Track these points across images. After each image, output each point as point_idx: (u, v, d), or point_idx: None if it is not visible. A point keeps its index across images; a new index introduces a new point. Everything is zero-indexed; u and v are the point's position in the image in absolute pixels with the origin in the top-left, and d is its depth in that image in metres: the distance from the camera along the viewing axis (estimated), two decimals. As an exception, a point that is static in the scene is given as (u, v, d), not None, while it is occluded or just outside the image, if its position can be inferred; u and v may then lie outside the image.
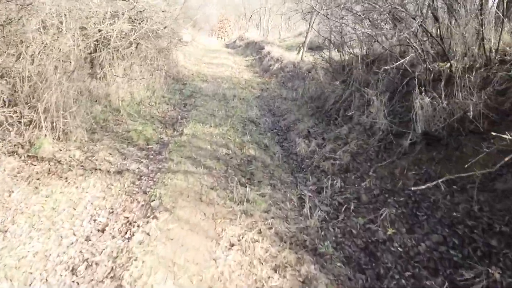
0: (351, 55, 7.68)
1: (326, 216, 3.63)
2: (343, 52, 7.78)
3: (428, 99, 4.04)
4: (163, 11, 6.84)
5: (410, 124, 4.50)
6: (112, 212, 3.39)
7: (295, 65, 12.17)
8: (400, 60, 5.04)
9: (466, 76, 4.13)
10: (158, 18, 6.77)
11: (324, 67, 9.63)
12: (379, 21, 6.02)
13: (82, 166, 4.09)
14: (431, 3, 5.25)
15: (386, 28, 5.66)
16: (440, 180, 2.74)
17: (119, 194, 3.69)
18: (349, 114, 6.12)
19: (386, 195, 3.73)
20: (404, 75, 5.40)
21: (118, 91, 6.11)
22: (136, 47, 6.97)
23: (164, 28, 7.30)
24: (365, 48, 7.20)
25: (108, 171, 4.08)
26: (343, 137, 5.43)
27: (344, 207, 3.73)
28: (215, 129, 5.89)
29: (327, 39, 8.41)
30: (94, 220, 3.25)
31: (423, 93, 4.18)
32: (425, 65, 4.66)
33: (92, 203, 3.49)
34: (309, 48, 15.26)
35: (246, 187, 4.08)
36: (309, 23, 12.88)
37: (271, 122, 7.45)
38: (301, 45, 15.01)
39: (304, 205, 3.78)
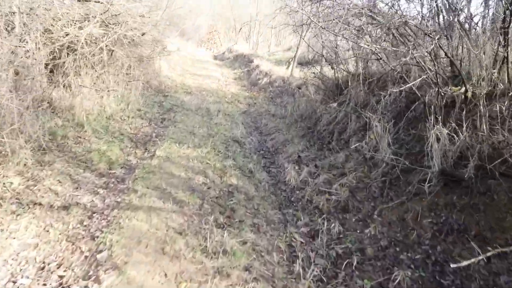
0: (345, 72, 7.00)
1: (322, 275, 2.81)
2: (337, 69, 7.09)
3: (446, 130, 3.31)
4: (140, 16, 6.03)
5: (420, 157, 3.77)
6: (43, 268, 2.51)
7: (285, 80, 11.48)
8: (406, 81, 4.34)
9: (483, 102, 3.45)
10: (135, 24, 5.95)
11: (315, 84, 8.95)
12: (382, 37, 5.34)
13: (17, 199, 3.18)
14: (443, 20, 4.60)
15: (389, 45, 4.98)
16: (488, 254, 1.97)
17: (59, 240, 2.80)
18: (345, 138, 5.38)
19: (397, 249, 2.95)
20: (410, 98, 4.70)
21: (84, 103, 5.24)
22: (111, 54, 6.12)
23: (142, 35, 6.48)
24: (361, 66, 6.53)
25: (51, 206, 3.19)
26: (339, 166, 4.66)
27: (345, 262, 2.92)
28: (193, 150, 5.05)
29: (320, 55, 7.70)
30: (14, 282, 2.36)
31: (439, 123, 3.45)
32: (436, 89, 3.95)
33: (18, 254, 2.59)
34: (298, 63, 14.65)
35: (223, 228, 3.26)
36: (300, 37, 12.25)
37: (257, 142, 6.66)
38: (290, 59, 14.39)
39: (295, 257, 2.97)
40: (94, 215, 3.20)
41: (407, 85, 3.87)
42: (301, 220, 3.71)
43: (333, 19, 5.81)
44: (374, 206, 3.56)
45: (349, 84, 6.24)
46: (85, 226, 3.02)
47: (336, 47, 6.79)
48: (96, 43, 5.53)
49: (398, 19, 4.06)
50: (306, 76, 11.47)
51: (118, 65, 6.48)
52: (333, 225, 3.41)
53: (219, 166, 4.67)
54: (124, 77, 6.56)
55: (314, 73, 8.45)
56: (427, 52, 3.72)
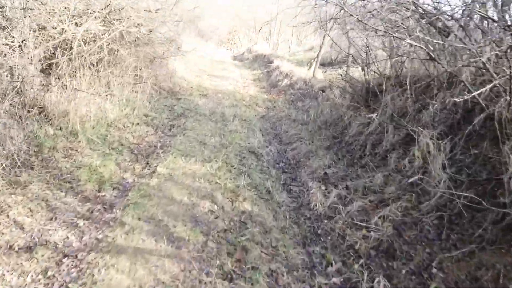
0: (378, 75, 6.05)
1: None
2: (368, 70, 6.14)
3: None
4: (146, 11, 5.27)
5: (490, 188, 2.83)
6: None
7: (306, 82, 10.57)
8: (467, 88, 3.38)
9: None
10: (140, 20, 5.20)
11: (341, 86, 8.02)
12: (431, 33, 4.39)
13: (-33, 238, 2.46)
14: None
15: (442, 41, 4.01)
16: None
17: (6, 302, 2.05)
18: (381, 153, 4.45)
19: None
20: (466, 108, 3.74)
21: (80, 108, 4.52)
22: (114, 54, 5.39)
23: (149, 32, 5.73)
24: (399, 67, 5.57)
25: (10, 247, 2.44)
26: (376, 190, 3.75)
27: None
28: (201, 166, 4.24)
29: (348, 54, 6.76)
30: None
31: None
32: (508, 98, 3.00)
33: None
34: (321, 64, 13.67)
35: (231, 281, 2.43)
36: (324, 35, 11.29)
37: (276, 153, 5.80)
38: (312, 60, 13.44)
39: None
40: (64, 260, 2.42)
41: (474, 93, 2.91)
42: (332, 265, 2.84)
43: (369, 12, 4.90)
44: (431, 254, 2.64)
45: (384, 88, 5.30)
46: (49, 278, 2.25)
47: (367, 46, 5.85)
48: (95, 41, 4.80)
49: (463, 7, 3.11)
50: (331, 78, 10.54)
51: (123, 65, 5.75)
52: (376, 279, 2.52)
53: (230, 187, 3.84)
54: (130, 79, 5.82)
55: (340, 75, 7.52)
56: (502, 51, 2.78)
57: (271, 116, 8.36)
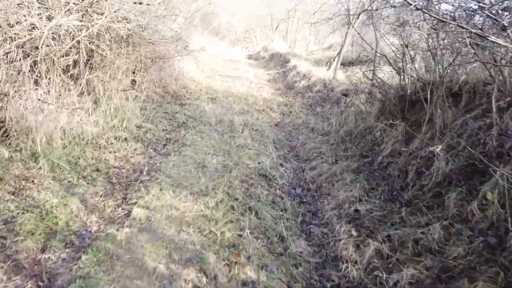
0: (417, 80, 4.83)
1: None
2: (404, 74, 4.93)
3: None
4: (136, 3, 4.20)
5: None
6: None
7: (326, 84, 9.36)
8: None
9: None
10: (129, 14, 4.13)
11: (367, 91, 6.82)
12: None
13: None
14: None
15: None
16: None
17: None
18: (432, 187, 3.27)
19: None
20: None
21: (47, 123, 3.51)
22: (99, 55, 4.37)
23: (142, 29, 4.67)
24: (449, 72, 4.34)
25: None
26: (433, 248, 2.59)
27: None
28: (194, 202, 3.16)
29: (382, 55, 5.55)
30: None
31: None
32: None
33: None
34: (341, 63, 12.42)
35: None
36: (346, 32, 10.03)
37: (292, 173, 4.69)
38: (332, 59, 12.19)
39: None
40: None
41: None
42: None
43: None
44: None
45: (429, 98, 4.09)
46: None
47: (406, 45, 4.62)
48: (73, 39, 3.78)
49: None
50: (353, 79, 9.31)
51: (113, 68, 4.72)
52: None
53: (229, 237, 2.74)
54: (120, 84, 4.80)
55: (369, 78, 6.32)
56: None
57: (286, 124, 7.23)
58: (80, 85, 4.18)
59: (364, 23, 8.53)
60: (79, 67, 3.95)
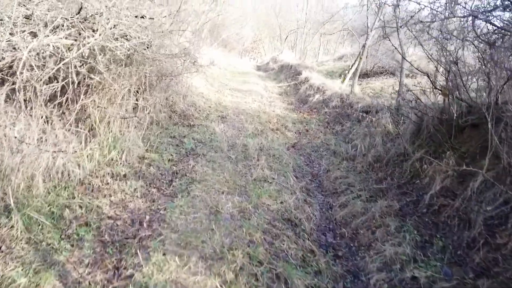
0: (465, 102, 4.04)
1: None
2: (453, 95, 4.12)
3: None
4: (138, 17, 3.49)
5: None
6: None
7: (343, 99, 8.59)
8: None
9: None
10: (129, 30, 3.43)
11: (396, 109, 6.06)
12: None
13: None
14: None
15: None
16: None
17: None
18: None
19: None
20: None
21: (28, 167, 2.80)
22: (95, 75, 3.66)
23: (147, 47, 3.96)
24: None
25: None
26: None
27: None
28: (206, 275, 2.39)
29: (423, 73, 4.77)
30: None
31: None
32: None
33: None
34: (353, 74, 11.64)
35: None
36: (365, 43, 9.26)
37: (318, 212, 3.92)
38: (346, 71, 11.43)
39: None
40: None
41: None
42: None
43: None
44: None
45: (490, 125, 3.30)
46: None
47: (455, 61, 3.83)
48: (56, 62, 3.08)
49: None
50: (370, 93, 8.61)
51: (111, 92, 4.02)
52: None
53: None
54: (121, 109, 4.09)
55: (394, 94, 5.56)
56: None
57: (304, 145, 6.46)
58: (70, 114, 3.47)
59: (383, 35, 7.78)
60: (68, 93, 3.24)
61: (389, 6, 5.88)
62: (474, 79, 3.97)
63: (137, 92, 4.55)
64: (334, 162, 5.53)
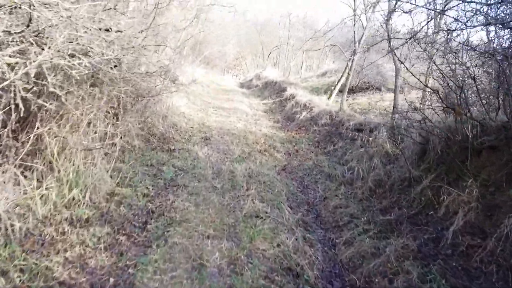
0: (477, 122, 3.55)
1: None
2: (466, 114, 3.63)
3: None
4: (102, 29, 2.86)
5: None
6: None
7: (333, 116, 8.11)
8: None
9: None
10: (94, 45, 2.79)
11: (392, 127, 5.61)
12: None
13: None
14: None
15: None
16: None
17: None
18: None
19: None
20: None
21: None
22: (43, 101, 2.99)
23: (114, 66, 3.32)
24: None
25: None
26: None
27: None
28: None
29: (433, 90, 4.30)
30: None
31: None
32: None
33: None
34: (340, 90, 11.27)
35: None
36: (351, 58, 8.87)
37: (320, 252, 3.31)
38: (332, 87, 11.04)
39: None
40: None
41: None
42: None
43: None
44: None
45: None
46: None
47: (473, 77, 3.34)
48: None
49: None
50: (358, 109, 8.21)
51: (74, 118, 3.34)
52: None
53: None
54: (82, 138, 3.40)
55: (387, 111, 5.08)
56: None
57: (295, 167, 5.88)
58: (21, 147, 2.78)
59: (374, 49, 7.42)
60: (10, 123, 2.55)
61: (379, 19, 5.44)
62: (491, 97, 3.49)
63: (106, 117, 3.88)
64: (330, 187, 4.96)
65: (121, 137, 3.89)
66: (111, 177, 3.60)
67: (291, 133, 8.19)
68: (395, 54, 5.79)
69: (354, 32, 8.24)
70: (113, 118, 4.04)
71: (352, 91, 11.99)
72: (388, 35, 5.75)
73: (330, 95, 10.61)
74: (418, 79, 4.50)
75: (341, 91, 11.36)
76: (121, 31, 3.07)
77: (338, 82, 10.54)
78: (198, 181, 4.36)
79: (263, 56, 21.25)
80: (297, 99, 10.65)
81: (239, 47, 24.62)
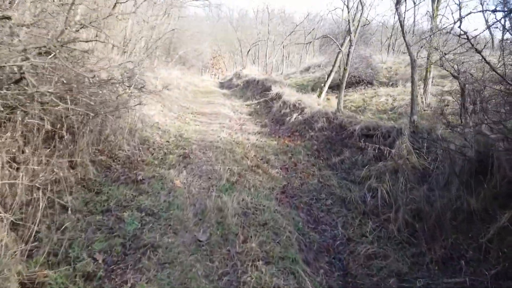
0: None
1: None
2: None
3: None
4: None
5: None
6: None
7: (330, 118, 6.82)
8: None
9: None
10: None
11: (413, 133, 4.39)
12: None
13: None
14: None
15: None
16: None
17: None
18: None
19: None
20: None
21: None
22: None
23: (15, 81, 1.86)
24: None
25: None
26: None
27: None
28: None
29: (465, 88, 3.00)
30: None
31: None
32: None
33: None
34: (328, 87, 10.01)
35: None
36: (338, 52, 7.58)
37: None
38: (322, 84, 9.76)
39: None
40: None
41: None
42: None
43: None
44: None
45: None
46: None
47: None
48: None
49: None
50: (351, 106, 7.07)
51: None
52: None
53: None
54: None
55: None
56: None
57: (297, 189, 4.57)
58: None
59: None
60: None
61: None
62: None
63: (14, 156, 2.39)
64: (349, 220, 3.66)
65: (46, 189, 2.41)
66: (27, 256, 2.14)
67: (283, 140, 6.85)
68: (409, 46, 4.50)
69: (349, 20, 6.95)
70: (34, 153, 2.56)
71: (339, 87, 10.72)
72: (400, 24, 4.48)
73: (320, 92, 9.33)
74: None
75: (330, 87, 10.14)
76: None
77: (328, 78, 9.27)
78: (174, 234, 2.95)
79: (241, 54, 19.77)
80: (285, 98, 9.30)
81: (216, 46, 23.03)
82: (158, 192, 3.76)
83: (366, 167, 4.56)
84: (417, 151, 4.29)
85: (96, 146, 4.55)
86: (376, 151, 4.73)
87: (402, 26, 4.64)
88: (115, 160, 4.49)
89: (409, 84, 9.78)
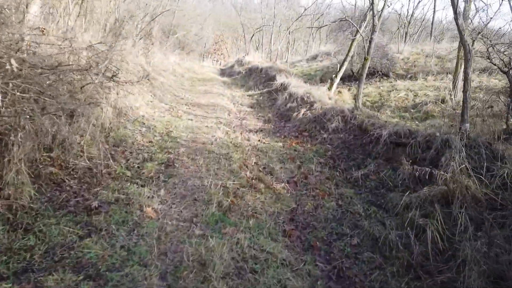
0: None
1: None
2: None
3: None
4: None
5: None
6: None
7: (347, 117, 5.55)
8: None
9: None
10: None
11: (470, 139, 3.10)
12: None
13: None
14: None
15: None
16: None
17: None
18: None
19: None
20: None
21: None
22: None
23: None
24: None
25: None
26: None
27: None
28: None
29: None
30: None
31: None
32: None
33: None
34: (340, 78, 8.67)
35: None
36: (353, 40, 6.23)
37: None
38: (334, 75, 8.40)
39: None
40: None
41: None
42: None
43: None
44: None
45: None
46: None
47: None
48: None
49: None
50: (374, 104, 5.89)
51: None
52: None
53: None
54: None
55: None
56: None
57: (310, 215, 3.37)
58: None
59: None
60: None
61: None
62: None
63: None
64: (389, 277, 2.46)
65: None
66: None
67: (290, 142, 5.60)
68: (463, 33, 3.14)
69: (372, 2, 5.57)
70: None
71: (353, 78, 9.40)
72: (452, 4, 3.17)
73: (331, 84, 8.00)
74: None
75: (341, 78, 8.81)
76: None
77: (340, 68, 7.93)
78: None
79: (245, 40, 18.23)
80: (291, 90, 8.00)
81: (218, 31, 21.44)
82: (116, 230, 2.55)
83: (403, 190, 3.33)
84: (475, 172, 3.05)
85: (48, 152, 3.35)
86: (415, 170, 3.48)
87: (454, 6, 3.32)
88: (71, 173, 3.28)
89: (430, 78, 8.44)
